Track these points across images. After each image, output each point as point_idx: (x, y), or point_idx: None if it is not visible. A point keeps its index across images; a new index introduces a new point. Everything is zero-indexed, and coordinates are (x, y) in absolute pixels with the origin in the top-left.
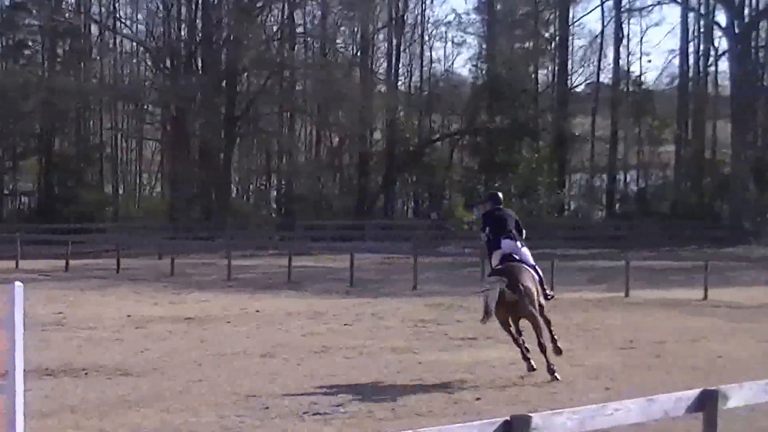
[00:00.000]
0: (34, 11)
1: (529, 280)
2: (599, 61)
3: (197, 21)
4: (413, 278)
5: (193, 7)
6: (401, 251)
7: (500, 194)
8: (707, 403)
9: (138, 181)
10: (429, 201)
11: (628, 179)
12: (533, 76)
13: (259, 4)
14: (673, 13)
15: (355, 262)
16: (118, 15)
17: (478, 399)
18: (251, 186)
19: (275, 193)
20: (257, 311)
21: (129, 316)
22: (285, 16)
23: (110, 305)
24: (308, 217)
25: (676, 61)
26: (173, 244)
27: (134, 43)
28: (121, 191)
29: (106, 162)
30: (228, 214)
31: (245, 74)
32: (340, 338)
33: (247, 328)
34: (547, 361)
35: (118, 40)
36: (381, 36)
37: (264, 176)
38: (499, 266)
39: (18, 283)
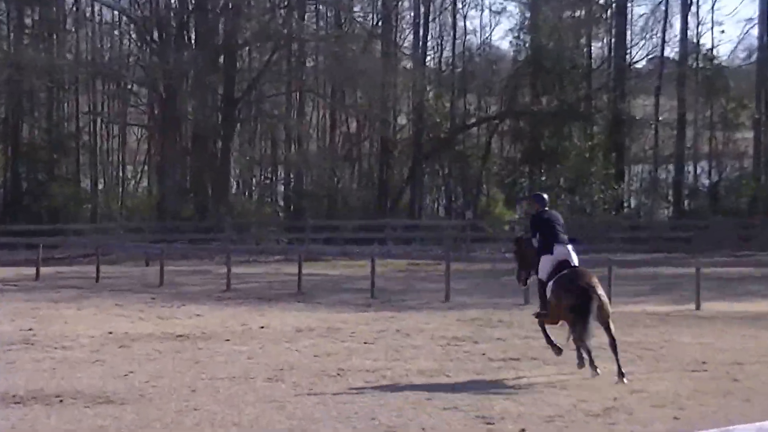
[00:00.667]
0: None
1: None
2: (663, 32)
3: None
4: (445, 288)
5: None
6: (430, 256)
7: (546, 195)
8: None
9: (121, 174)
10: (462, 197)
11: (698, 171)
12: (585, 49)
13: None
14: None
15: (377, 269)
16: None
17: (522, 431)
18: (254, 179)
19: (282, 188)
20: (261, 327)
21: (110, 333)
22: None
23: (88, 320)
24: (321, 216)
25: (755, 32)
26: (162, 249)
27: (116, 12)
28: (100, 186)
29: (84, 152)
30: (227, 212)
31: (246, 48)
32: (358, 359)
33: (250, 348)
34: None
35: (96, 9)
36: (406, 3)
37: (269, 168)
38: (573, 281)
39: None
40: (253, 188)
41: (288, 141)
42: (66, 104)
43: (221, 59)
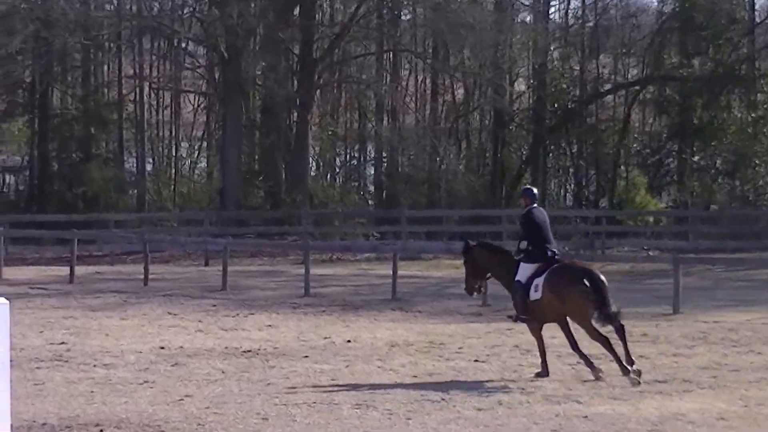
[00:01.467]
0: None
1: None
2: None
3: None
4: None
5: None
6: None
7: (536, 189)
8: None
9: (173, 153)
10: (595, 181)
11: None
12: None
13: None
14: None
15: None
16: None
17: None
18: (337, 160)
19: (372, 171)
20: (347, 342)
21: (161, 348)
22: None
23: (134, 333)
24: (420, 206)
25: None
26: (225, 245)
27: None
28: (148, 167)
29: (128, 125)
30: (304, 200)
31: None
32: (467, 381)
33: (333, 367)
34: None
35: None
36: None
37: (356, 146)
38: (572, 270)
39: (2, 301)
40: (337, 171)
41: (379, 112)
42: (106, 67)
43: (296, 12)
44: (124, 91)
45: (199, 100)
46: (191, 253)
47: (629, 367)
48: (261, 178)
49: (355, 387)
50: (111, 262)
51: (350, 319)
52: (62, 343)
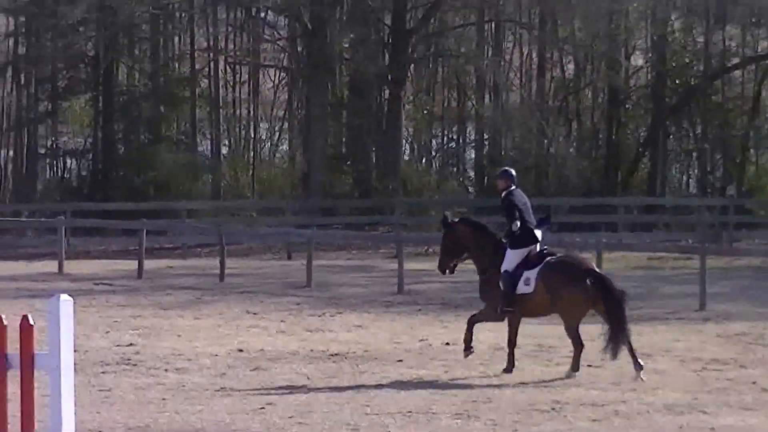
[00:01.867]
0: None
1: None
2: None
3: None
4: (699, 292)
5: None
6: (678, 248)
7: (513, 170)
8: None
9: (252, 135)
10: (722, 166)
11: None
12: None
13: None
14: None
15: (604, 264)
16: None
17: None
18: (433, 142)
19: (473, 155)
20: (446, 344)
21: (240, 351)
22: None
23: (209, 334)
24: (525, 193)
25: None
26: (310, 236)
27: None
28: (224, 151)
29: (201, 104)
30: (397, 187)
31: None
32: (580, 389)
33: (430, 372)
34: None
35: None
36: None
37: (454, 127)
38: (576, 266)
39: (64, 297)
40: (433, 155)
41: (480, 89)
42: (177, 39)
43: None
44: (196, 66)
45: (279, 75)
46: (272, 246)
47: (573, 372)
48: (349, 162)
49: (455, 394)
50: (183, 256)
51: (449, 319)
52: (130, 344)
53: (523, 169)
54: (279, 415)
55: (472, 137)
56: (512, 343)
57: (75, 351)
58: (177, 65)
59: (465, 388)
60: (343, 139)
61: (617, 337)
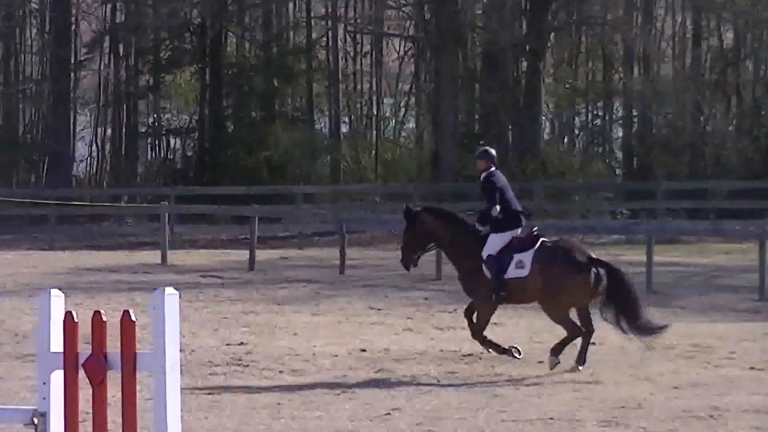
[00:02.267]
0: None
1: None
2: None
3: None
4: None
5: None
6: None
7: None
8: None
9: (375, 111)
10: None
11: None
12: None
13: None
14: None
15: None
16: None
17: None
18: (576, 119)
19: (620, 133)
20: (592, 344)
21: (363, 350)
22: None
23: (329, 331)
24: (680, 176)
25: None
26: None
27: None
28: (344, 129)
29: (319, 77)
30: (536, 169)
31: None
32: (742, 394)
33: (573, 374)
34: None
35: None
36: None
37: (599, 102)
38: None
39: (169, 291)
40: (576, 133)
41: (628, 61)
42: (292, 6)
43: None
44: (313, 36)
45: (405, 46)
46: (397, 235)
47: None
48: (482, 142)
49: (602, 399)
50: (299, 245)
51: (594, 317)
52: (241, 343)
53: (676, 150)
54: (406, 421)
55: (619, 114)
56: (482, 332)
57: (181, 350)
58: (292, 35)
59: (612, 392)
60: (476, 116)
61: (639, 322)
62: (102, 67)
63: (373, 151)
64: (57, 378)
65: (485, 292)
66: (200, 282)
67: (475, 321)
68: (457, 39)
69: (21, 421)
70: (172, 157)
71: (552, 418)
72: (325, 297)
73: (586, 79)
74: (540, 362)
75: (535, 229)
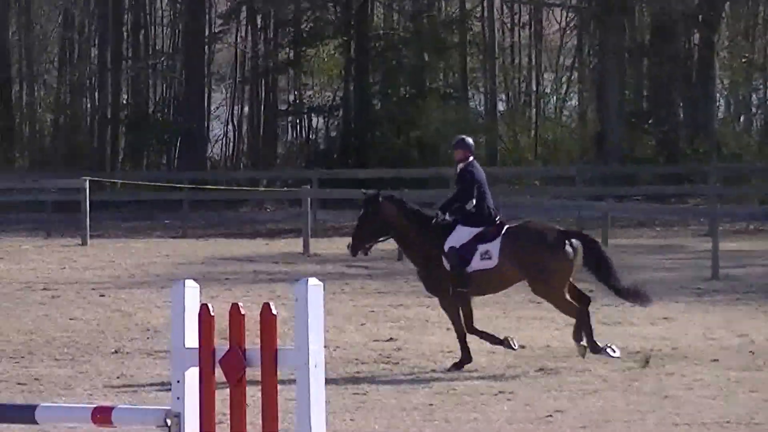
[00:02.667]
0: None
1: None
2: None
3: None
4: None
5: None
6: None
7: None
8: None
9: (534, 87)
10: None
11: None
12: None
13: None
14: None
15: None
16: None
17: None
18: (753, 96)
19: None
20: None
21: (523, 347)
22: None
23: (484, 326)
24: None
25: None
26: (605, 210)
27: None
28: (501, 107)
29: (473, 50)
30: (710, 151)
31: None
32: None
33: (753, 374)
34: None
35: None
36: None
37: None
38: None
39: (313, 282)
40: (753, 111)
41: None
42: None
43: None
44: (467, 6)
45: (567, 16)
46: (560, 221)
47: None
48: (651, 121)
49: None
50: None
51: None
52: (390, 339)
53: None
54: (569, 424)
55: None
56: (461, 332)
57: (325, 347)
58: (443, 4)
59: None
60: (644, 93)
61: (622, 284)
62: (238, 40)
63: (533, 131)
64: (192, 376)
65: (446, 288)
66: (345, 272)
67: (450, 318)
68: (623, 9)
69: (153, 423)
70: (314, 137)
71: (729, 422)
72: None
73: (764, 53)
74: (714, 360)
75: (498, 217)
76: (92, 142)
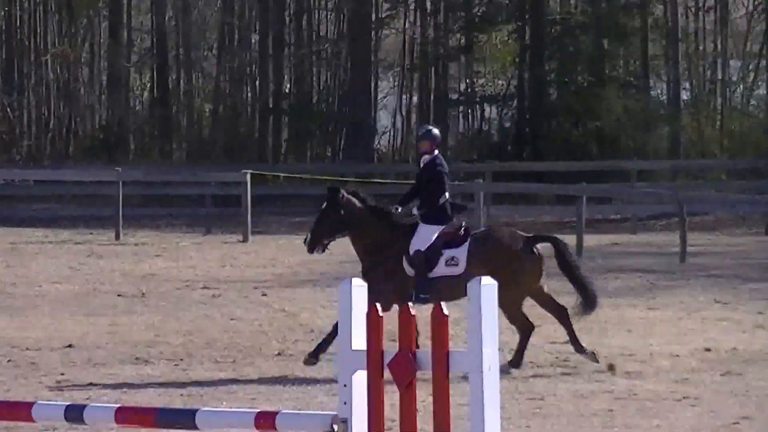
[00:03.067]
0: None
1: None
2: None
3: None
4: None
5: None
6: None
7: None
8: None
9: (720, 75)
10: None
11: None
12: None
13: None
14: None
15: None
16: None
17: None
18: None
19: None
20: None
21: (707, 350)
22: None
23: (667, 328)
24: None
25: None
26: None
27: None
28: (684, 96)
29: (654, 36)
30: None
31: None
32: None
33: None
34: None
35: None
36: None
37: None
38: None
39: (486, 281)
40: None
41: None
42: None
43: None
44: None
45: (755, 1)
46: (746, 218)
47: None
48: None
49: None
50: (633, 229)
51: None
52: (567, 342)
53: None
54: (756, 429)
55: None
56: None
57: (499, 349)
58: None
59: None
60: None
61: (588, 295)
62: (407, 26)
63: (718, 122)
64: (359, 379)
65: (402, 293)
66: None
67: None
68: None
69: (320, 428)
70: (486, 128)
71: None
72: (663, 289)
73: None
74: None
75: (464, 221)
76: (253, 134)
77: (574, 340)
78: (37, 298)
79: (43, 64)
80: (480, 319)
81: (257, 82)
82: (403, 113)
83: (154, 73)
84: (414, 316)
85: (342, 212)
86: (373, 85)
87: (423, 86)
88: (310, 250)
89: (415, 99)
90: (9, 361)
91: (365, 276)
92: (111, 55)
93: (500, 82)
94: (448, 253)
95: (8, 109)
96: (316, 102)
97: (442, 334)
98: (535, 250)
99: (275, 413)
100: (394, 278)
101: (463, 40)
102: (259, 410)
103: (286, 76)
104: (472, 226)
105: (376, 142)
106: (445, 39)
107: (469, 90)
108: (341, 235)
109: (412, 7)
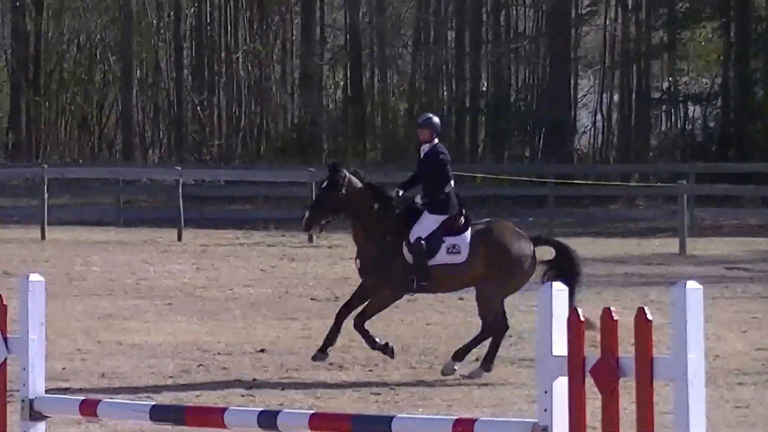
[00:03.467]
0: None
1: None
2: None
3: None
4: None
5: None
6: None
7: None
8: None
9: None
10: None
11: None
12: None
13: None
14: None
15: None
16: None
17: None
18: None
19: None
20: None
21: None
22: None
23: None
24: None
25: None
26: None
27: None
28: None
29: None
30: None
31: None
32: None
33: None
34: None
35: None
36: None
37: None
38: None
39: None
40: None
41: None
42: None
43: None
44: None
45: None
46: None
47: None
48: None
49: None
50: None
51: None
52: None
53: None
54: None
55: None
56: (367, 319)
57: (704, 356)
58: None
59: None
60: None
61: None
62: (608, 22)
63: None
64: (560, 386)
65: (400, 279)
66: (725, 275)
67: (369, 305)
68: None
69: None
70: (690, 128)
71: None
72: None
73: None
74: None
75: (464, 211)
76: (449, 133)
77: (491, 356)
78: (229, 302)
79: (234, 62)
80: (685, 325)
81: (453, 81)
82: (604, 112)
83: (348, 71)
84: (616, 321)
85: (343, 191)
86: (572, 83)
87: (624, 85)
88: (307, 228)
89: (616, 98)
90: (200, 366)
91: (373, 262)
92: (303, 53)
93: (704, 80)
94: (449, 241)
95: (198, 108)
96: (513, 101)
97: (646, 340)
98: (534, 251)
99: (473, 420)
100: (399, 264)
101: (665, 37)
102: (456, 417)
103: (483, 74)
104: (468, 216)
105: (576, 142)
106: (648, 36)
107: (671, 88)
108: (342, 217)
109: (613, 2)
